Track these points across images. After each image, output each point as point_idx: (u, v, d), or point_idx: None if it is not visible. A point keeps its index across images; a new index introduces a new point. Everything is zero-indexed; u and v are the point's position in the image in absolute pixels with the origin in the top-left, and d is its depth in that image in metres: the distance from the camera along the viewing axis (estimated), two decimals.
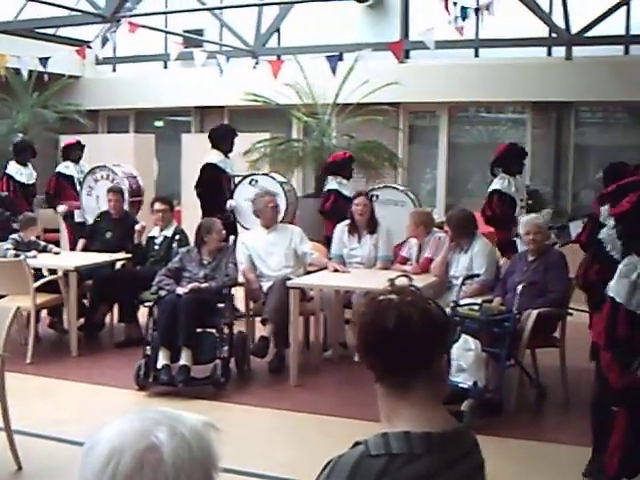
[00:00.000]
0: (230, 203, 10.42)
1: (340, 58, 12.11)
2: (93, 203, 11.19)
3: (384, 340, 2.22)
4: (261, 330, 8.12)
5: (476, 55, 15.26)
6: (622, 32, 14.49)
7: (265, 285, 8.29)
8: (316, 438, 6.35)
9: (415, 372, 2.24)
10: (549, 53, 14.99)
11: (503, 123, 16.08)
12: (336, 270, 8.30)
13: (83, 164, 11.65)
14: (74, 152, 11.58)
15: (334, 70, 11.54)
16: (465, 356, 6.80)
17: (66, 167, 11.51)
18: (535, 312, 7.00)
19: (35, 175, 11.61)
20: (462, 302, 7.36)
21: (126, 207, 10.53)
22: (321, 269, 8.55)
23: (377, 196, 9.97)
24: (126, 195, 10.80)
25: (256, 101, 13.25)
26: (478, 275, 7.80)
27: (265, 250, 8.52)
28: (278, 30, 16.46)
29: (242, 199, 10.26)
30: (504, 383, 7.05)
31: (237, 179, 10.76)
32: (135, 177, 11.60)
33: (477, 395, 6.68)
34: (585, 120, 15.51)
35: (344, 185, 10.27)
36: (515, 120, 15.79)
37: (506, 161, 9.23)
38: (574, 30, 14.47)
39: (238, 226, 10.52)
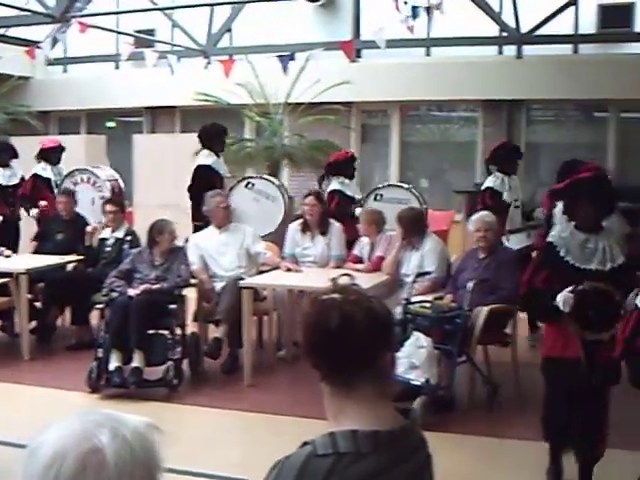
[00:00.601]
0: None
1: (292, 58, 12.11)
2: None
3: (328, 340, 2.22)
4: (214, 331, 8.09)
5: (427, 54, 15.34)
6: (571, 31, 14.66)
7: (218, 285, 8.27)
8: (270, 438, 6.33)
9: (360, 370, 2.25)
10: (500, 52, 15.12)
11: (455, 121, 16.16)
12: (289, 269, 8.31)
13: (61, 167, 11.34)
14: (53, 155, 11.22)
15: (285, 69, 11.54)
16: (417, 353, 6.82)
17: (43, 169, 11.12)
18: (486, 309, 7.06)
19: (20, 176, 11.28)
20: (414, 300, 7.39)
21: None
22: (274, 268, 8.54)
23: (381, 195, 9.87)
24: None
25: (208, 101, 13.21)
26: (429, 273, 7.84)
27: (217, 250, 8.50)
28: (230, 30, 16.42)
29: (237, 202, 9.91)
30: (456, 380, 7.10)
31: (228, 181, 10.55)
32: (117, 180, 11.32)
33: (429, 392, 6.71)
34: (536, 118, 15.65)
35: (347, 185, 10.12)
36: (467, 118, 15.88)
37: (500, 160, 9.22)
38: (524, 29, 14.61)
39: None
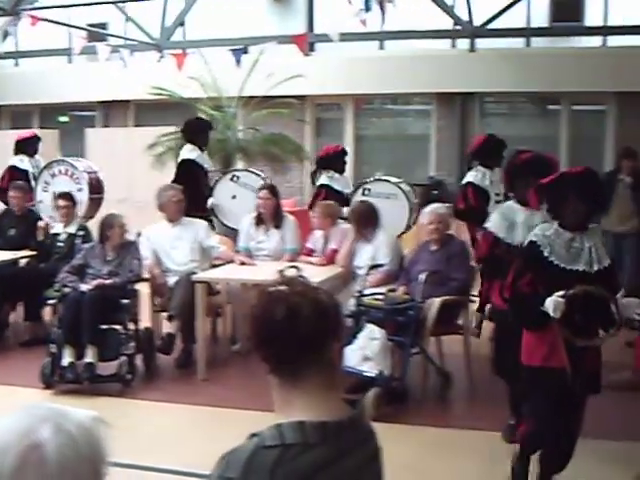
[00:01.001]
0: (211, 201, 10.13)
1: (245, 51, 12.10)
2: (49, 199, 10.44)
3: (274, 332, 2.23)
4: (168, 326, 8.07)
5: (381, 47, 15.38)
6: (523, 25, 14.79)
7: (171, 280, 8.24)
8: (224, 431, 6.27)
9: (307, 362, 2.25)
10: (453, 45, 15.20)
11: (409, 115, 16.23)
12: (243, 263, 8.30)
13: (38, 158, 11.12)
14: (30, 146, 11.03)
15: (239, 63, 11.53)
16: (370, 345, 6.85)
17: (20, 161, 10.89)
18: (438, 300, 7.12)
19: None
20: (367, 292, 7.43)
21: (85, 205, 10.24)
22: (228, 262, 8.53)
23: (369, 189, 9.80)
24: (86, 192, 10.45)
25: (161, 95, 13.14)
26: (382, 265, 7.87)
27: (170, 244, 8.45)
28: (183, 23, 16.35)
29: (223, 196, 9.98)
30: (409, 371, 7.13)
31: (212, 175, 10.47)
32: (96, 172, 11.03)
33: (383, 383, 6.74)
34: (490, 111, 15.78)
35: (336, 179, 10.02)
36: (421, 111, 15.96)
37: (484, 153, 8.90)
38: (477, 22, 14.70)
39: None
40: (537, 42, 15.03)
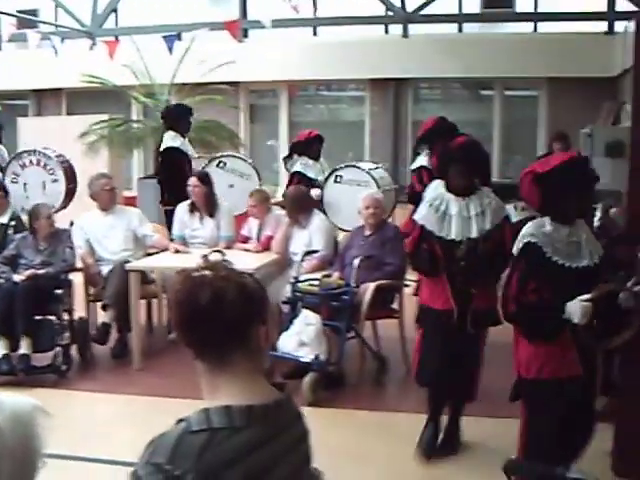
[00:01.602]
0: None
1: (178, 38, 12.02)
2: (20, 191, 10.09)
3: (199, 316, 2.24)
4: (102, 315, 8.01)
5: (314, 34, 15.38)
6: (455, 11, 14.90)
7: (104, 269, 8.16)
8: (160, 420, 6.19)
9: (233, 346, 2.27)
10: (386, 31, 15.25)
11: (343, 101, 16.27)
12: (177, 251, 8.26)
13: (1, 148, 10.87)
14: None
15: (171, 50, 11.45)
16: (306, 330, 6.88)
17: None
18: (373, 285, 7.16)
19: None
20: (302, 278, 7.44)
21: (62, 196, 9.98)
22: (163, 251, 8.48)
23: (341, 176, 9.76)
24: (63, 182, 10.12)
25: (93, 82, 13.00)
26: (317, 251, 7.90)
27: (103, 233, 8.36)
28: (115, 10, 16.15)
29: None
30: (346, 356, 7.17)
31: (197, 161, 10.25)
32: (68, 161, 10.63)
33: (319, 368, 6.78)
34: (424, 96, 15.89)
35: (309, 166, 9.91)
36: (354, 98, 16.01)
37: (434, 137, 8.43)
38: (410, 8, 14.77)
39: None
40: (469, 28, 15.16)
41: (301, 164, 9.91)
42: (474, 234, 5.44)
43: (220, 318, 2.23)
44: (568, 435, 4.44)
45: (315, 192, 9.50)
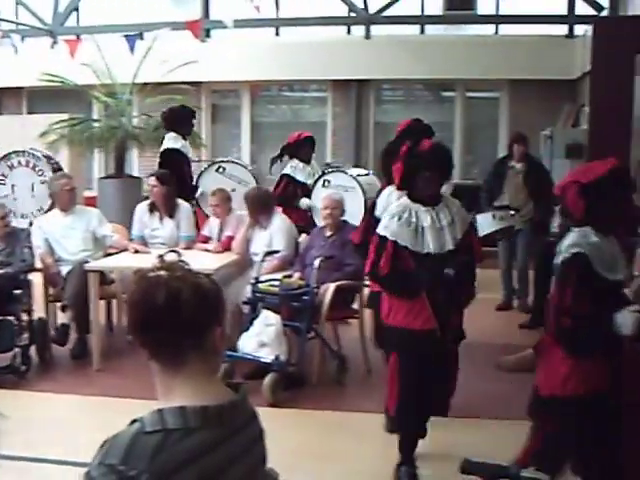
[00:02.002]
0: (200, 190, 9.74)
1: (141, 37, 11.96)
2: (7, 191, 10.05)
3: (154, 317, 2.23)
4: (62, 316, 7.95)
5: (277, 34, 15.37)
6: (418, 13, 14.96)
7: (64, 269, 8.10)
8: (120, 421, 6.19)
9: (188, 347, 2.26)
10: (348, 32, 15.27)
11: (305, 101, 16.27)
12: (137, 251, 8.22)
13: None
14: None
15: (132, 49, 11.38)
16: (266, 331, 6.88)
17: None
18: (333, 285, 7.19)
19: None
20: (263, 278, 7.44)
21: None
22: (122, 251, 8.43)
23: (329, 181, 9.58)
24: None
25: (54, 82, 12.89)
26: (278, 251, 7.89)
27: (62, 234, 8.29)
28: (77, 9, 16.04)
29: (207, 187, 9.43)
30: (306, 356, 7.19)
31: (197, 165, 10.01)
32: (57, 162, 10.59)
33: (279, 369, 6.77)
34: (386, 98, 15.93)
35: (299, 169, 9.74)
36: (317, 98, 16.02)
37: (408, 139, 8.54)
38: (372, 10, 14.81)
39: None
40: (431, 30, 15.23)
41: (291, 167, 9.78)
42: (450, 245, 5.16)
43: (175, 319, 2.22)
44: (591, 451, 4.28)
45: (305, 202, 9.49)
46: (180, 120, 9.99)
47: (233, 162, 10.30)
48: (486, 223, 9.12)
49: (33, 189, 10.00)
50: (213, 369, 2.37)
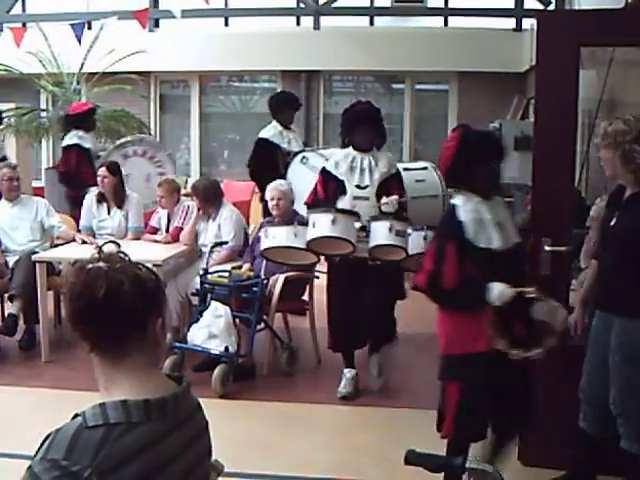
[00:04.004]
0: None
1: (89, 27, 11.83)
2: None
3: (95, 309, 2.21)
4: (9, 307, 7.87)
5: (226, 24, 15.30)
6: (367, 4, 14.98)
7: (11, 260, 8.01)
8: (69, 414, 6.14)
9: (129, 339, 2.26)
10: (298, 23, 15.25)
11: (255, 92, 16.23)
12: (84, 242, 8.15)
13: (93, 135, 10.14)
14: (87, 120, 9.90)
15: (79, 39, 11.26)
16: (215, 323, 6.87)
17: (80, 138, 9.65)
18: (282, 276, 7.19)
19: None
20: (212, 269, 7.42)
21: None
22: (69, 242, 8.36)
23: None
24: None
25: None
26: (227, 242, 7.88)
27: (9, 224, 8.20)
28: None
29: (295, 179, 8.58)
30: (257, 347, 7.20)
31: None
32: (171, 154, 10.25)
33: (229, 360, 6.78)
34: (336, 89, 15.93)
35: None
36: (267, 89, 15.97)
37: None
38: (321, 1, 14.79)
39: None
40: (381, 21, 15.26)
41: (77, 137, 9.72)
42: (515, 239, 4.64)
43: (116, 310, 2.21)
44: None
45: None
46: (277, 107, 9.57)
47: (314, 151, 9.47)
48: (380, 233, 6.51)
49: (148, 180, 9.68)
50: (154, 361, 2.37)
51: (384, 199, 6.57)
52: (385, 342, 6.99)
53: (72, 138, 9.74)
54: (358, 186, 6.63)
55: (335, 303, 6.80)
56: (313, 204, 6.77)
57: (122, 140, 9.87)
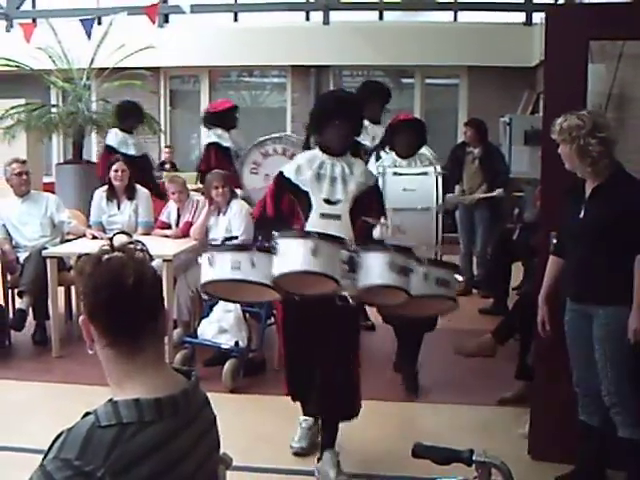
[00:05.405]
0: None
1: (99, 22, 11.87)
2: (260, 183, 8.78)
3: (123, 298, 2.19)
4: (20, 302, 7.89)
5: (235, 19, 15.32)
6: None
7: (22, 256, 8.03)
8: (80, 408, 6.05)
9: (145, 332, 2.25)
10: (307, 18, 15.25)
11: (265, 87, 16.25)
12: (95, 237, 8.17)
13: (236, 132, 9.60)
14: (229, 118, 9.39)
15: (89, 34, 11.29)
16: (226, 317, 6.88)
17: (219, 136, 9.23)
18: None
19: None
20: None
21: None
22: (80, 237, 8.38)
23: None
24: None
25: (9, 66, 12.76)
26: (237, 237, 7.87)
27: (20, 220, 8.23)
28: None
29: None
30: (266, 342, 7.21)
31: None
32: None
33: (240, 355, 6.80)
34: (345, 84, 15.93)
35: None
36: (277, 84, 16.00)
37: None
38: None
39: None
40: (390, 16, 15.26)
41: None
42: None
43: (141, 300, 2.21)
44: None
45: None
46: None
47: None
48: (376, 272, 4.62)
49: None
50: (162, 354, 2.37)
51: (382, 220, 5.19)
52: (343, 418, 5.31)
53: (210, 136, 9.33)
54: (327, 200, 5.04)
55: (292, 349, 5.36)
56: (260, 219, 5.43)
57: (262, 138, 9.42)
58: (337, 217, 4.99)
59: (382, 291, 4.54)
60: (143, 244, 2.37)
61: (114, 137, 9.95)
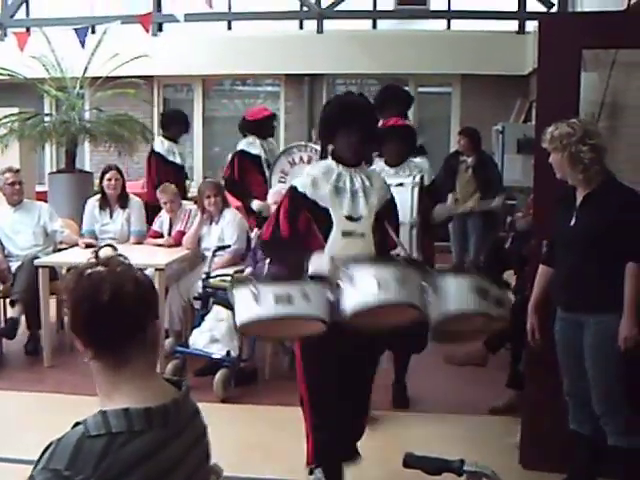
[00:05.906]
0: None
1: (93, 31, 11.86)
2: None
3: (100, 313, 2.20)
4: (11, 312, 7.87)
5: (229, 28, 15.33)
6: (370, 7, 15.00)
7: (14, 265, 8.01)
8: (71, 419, 6.14)
9: (132, 343, 2.25)
10: (301, 26, 15.27)
11: (259, 96, 16.25)
12: (87, 246, 8.15)
13: (271, 141, 9.47)
14: (265, 126, 9.23)
15: (83, 43, 11.28)
16: (218, 327, 6.88)
17: (250, 144, 9.06)
18: None
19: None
20: (214, 273, 7.42)
21: None
22: (72, 246, 8.37)
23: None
24: None
25: (2, 75, 12.73)
26: (229, 246, 7.87)
27: (12, 229, 8.21)
28: (27, 1, 15.86)
29: None
30: (258, 351, 7.20)
31: None
32: None
33: (231, 364, 6.79)
34: (338, 92, 15.93)
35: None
36: (270, 93, 16.01)
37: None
38: (324, 4, 14.83)
39: None
40: (383, 24, 15.29)
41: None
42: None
43: (120, 313, 2.21)
44: None
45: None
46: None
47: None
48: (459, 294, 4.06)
49: None
50: (153, 365, 2.37)
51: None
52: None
53: (241, 144, 9.18)
54: (349, 217, 4.54)
55: (318, 390, 4.85)
56: (272, 240, 4.73)
57: (289, 145, 9.43)
58: (361, 235, 4.52)
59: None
60: (125, 257, 2.37)
61: (160, 145, 10.01)
